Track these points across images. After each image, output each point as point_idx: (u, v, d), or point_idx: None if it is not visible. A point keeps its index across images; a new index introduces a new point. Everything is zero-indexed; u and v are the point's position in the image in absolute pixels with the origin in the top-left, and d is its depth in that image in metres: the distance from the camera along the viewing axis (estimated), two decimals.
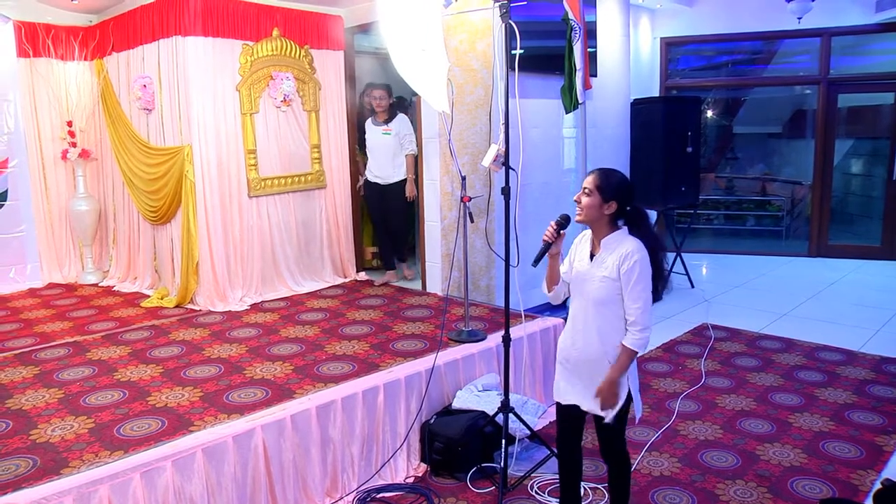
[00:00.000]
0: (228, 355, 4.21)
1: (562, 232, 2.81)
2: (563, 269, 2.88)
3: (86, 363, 4.11)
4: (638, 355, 2.69)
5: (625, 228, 2.72)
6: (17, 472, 2.82)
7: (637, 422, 3.98)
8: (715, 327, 5.98)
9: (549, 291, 2.95)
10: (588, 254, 2.77)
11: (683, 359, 5.28)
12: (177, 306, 5.35)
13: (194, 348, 4.36)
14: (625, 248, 2.64)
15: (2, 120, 6.04)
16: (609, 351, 2.71)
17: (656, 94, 9.05)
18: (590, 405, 2.78)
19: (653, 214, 7.39)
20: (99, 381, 3.80)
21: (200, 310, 5.27)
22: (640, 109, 7.46)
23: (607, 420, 2.73)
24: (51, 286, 6.21)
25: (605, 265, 2.68)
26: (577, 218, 2.74)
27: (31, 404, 3.50)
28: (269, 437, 3.22)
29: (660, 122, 7.27)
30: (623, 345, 2.66)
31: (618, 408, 2.71)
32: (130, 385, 3.74)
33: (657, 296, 2.77)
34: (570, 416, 2.90)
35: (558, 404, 2.94)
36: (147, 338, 4.60)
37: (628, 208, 2.72)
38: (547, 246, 2.81)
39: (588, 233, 2.81)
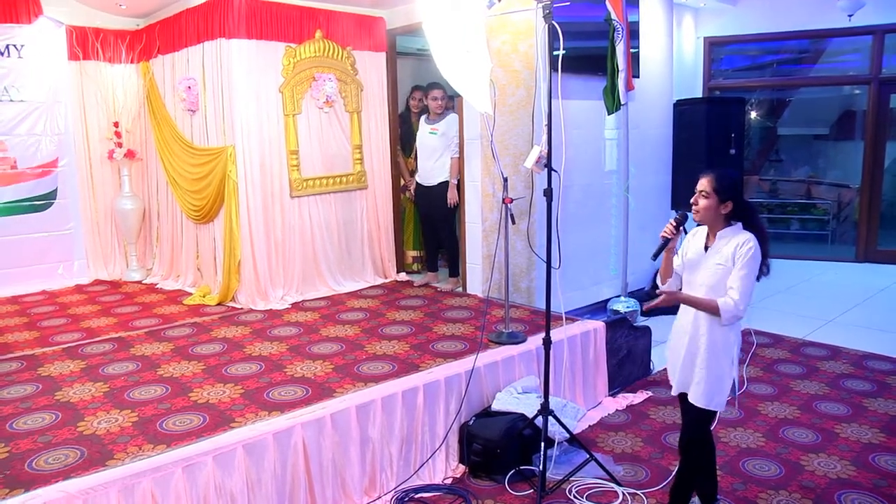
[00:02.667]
0: (269, 353, 4.26)
1: (681, 228, 2.90)
2: (675, 262, 2.99)
3: (130, 358, 4.19)
4: (722, 321, 2.76)
5: (739, 224, 2.83)
6: (66, 461, 2.89)
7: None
8: (757, 333, 5.84)
9: (662, 284, 3.04)
10: (702, 245, 2.89)
11: None
12: (218, 304, 5.43)
13: (235, 346, 4.42)
14: (741, 237, 2.77)
15: (53, 121, 6.21)
16: (717, 339, 2.82)
17: (699, 94, 8.89)
18: (690, 389, 2.91)
19: None
20: (142, 377, 3.88)
21: (242, 308, 5.33)
22: (683, 110, 7.35)
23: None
24: (96, 283, 6.36)
25: (720, 254, 2.80)
26: (695, 218, 2.88)
27: (79, 397, 3.59)
28: (309, 435, 3.25)
29: (703, 124, 7.15)
30: (716, 300, 2.75)
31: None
32: (173, 381, 3.80)
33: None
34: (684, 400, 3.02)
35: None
36: (189, 335, 4.67)
37: (742, 206, 2.83)
38: (666, 241, 2.90)
39: (701, 228, 2.94)
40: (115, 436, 3.13)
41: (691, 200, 2.86)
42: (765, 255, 2.79)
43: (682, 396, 2.99)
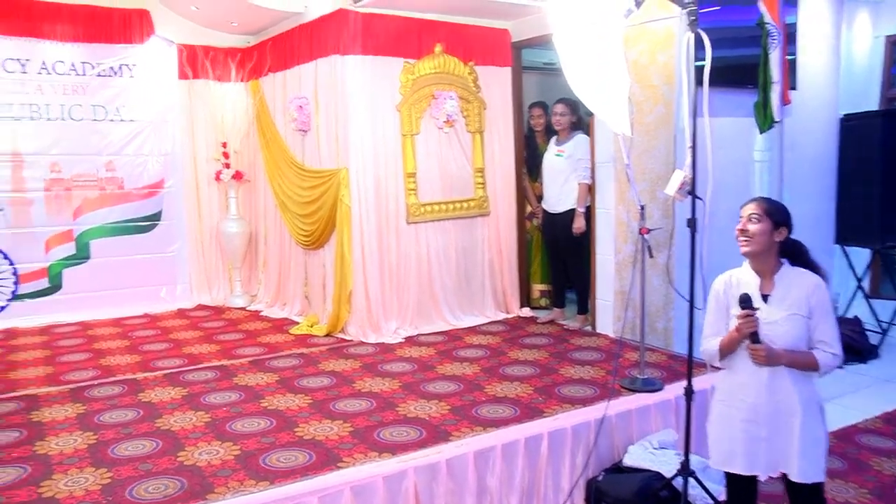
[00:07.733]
0: (380, 390, 4.38)
1: (755, 312, 2.68)
2: (731, 324, 2.78)
3: (232, 388, 4.43)
4: (817, 375, 2.68)
5: (787, 261, 2.74)
6: (165, 492, 3.08)
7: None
8: None
9: (721, 358, 2.85)
10: (758, 296, 2.72)
11: None
12: (327, 335, 5.63)
13: (344, 380, 4.57)
14: (809, 280, 2.68)
15: (160, 141, 6.69)
16: (811, 394, 2.69)
17: (875, 106, 8.43)
18: (783, 465, 2.75)
19: (866, 254, 6.92)
20: (245, 408, 4.08)
21: (352, 340, 5.51)
22: (853, 126, 7.04)
23: None
24: (199, 307, 6.75)
25: (786, 302, 2.66)
26: (745, 249, 2.73)
27: (180, 426, 3.82)
28: (422, 480, 3.31)
29: (878, 142, 6.82)
30: (813, 353, 2.64)
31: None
32: (277, 414, 3.98)
33: None
34: (745, 483, 2.90)
35: (730, 473, 2.91)
36: (295, 366, 4.88)
37: (791, 240, 2.75)
38: (755, 334, 2.66)
39: (737, 275, 2.80)
40: (216, 468, 3.30)
41: (738, 227, 2.72)
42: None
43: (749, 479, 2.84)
